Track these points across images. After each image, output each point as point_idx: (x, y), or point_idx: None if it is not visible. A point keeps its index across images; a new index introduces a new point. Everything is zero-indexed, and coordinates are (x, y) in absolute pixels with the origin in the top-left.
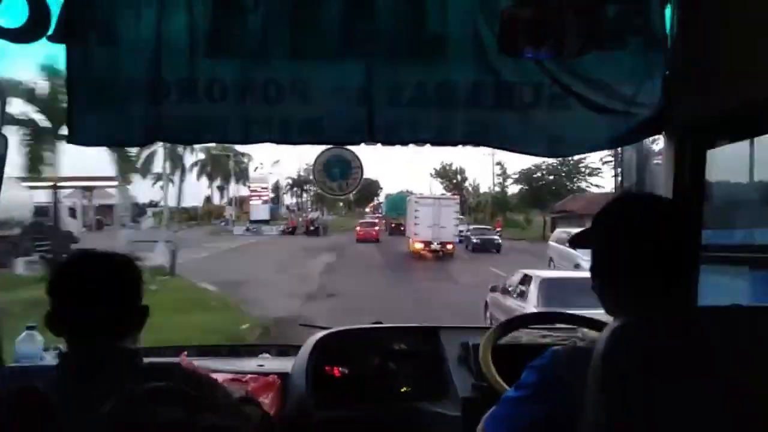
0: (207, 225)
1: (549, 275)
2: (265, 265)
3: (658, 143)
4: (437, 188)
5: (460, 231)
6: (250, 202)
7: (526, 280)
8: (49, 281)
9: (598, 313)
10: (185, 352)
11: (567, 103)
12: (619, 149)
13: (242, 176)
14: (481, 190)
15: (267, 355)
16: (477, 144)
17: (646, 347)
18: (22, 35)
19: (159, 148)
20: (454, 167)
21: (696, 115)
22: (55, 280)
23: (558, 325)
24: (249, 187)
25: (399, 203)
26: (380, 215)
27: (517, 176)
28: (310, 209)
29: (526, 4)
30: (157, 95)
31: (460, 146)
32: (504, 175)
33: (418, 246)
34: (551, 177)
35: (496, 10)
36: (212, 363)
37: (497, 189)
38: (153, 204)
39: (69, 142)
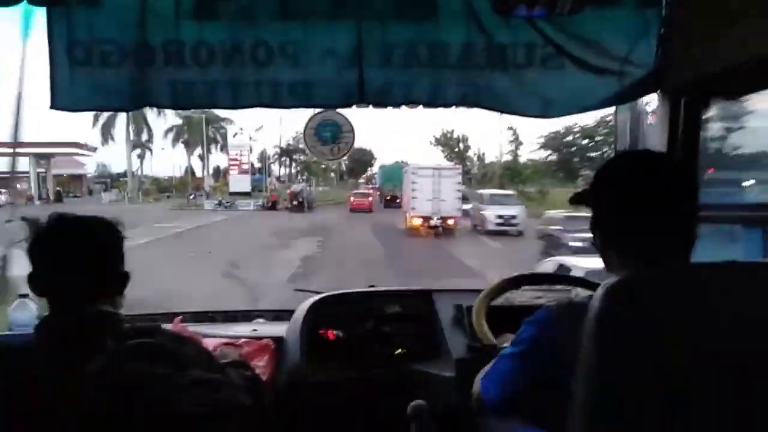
0: (181, 198)
1: (593, 265)
2: (212, 260)
3: (651, 104)
4: (437, 157)
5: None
6: (229, 173)
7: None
8: (28, 245)
9: None
10: (179, 317)
11: (560, 64)
12: (612, 109)
13: (225, 144)
14: (488, 160)
15: (262, 320)
16: (469, 105)
17: (641, 303)
18: None
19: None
20: (456, 135)
21: (691, 73)
22: (32, 245)
23: (552, 286)
24: (225, 155)
25: (394, 174)
26: (374, 186)
27: (542, 141)
28: (294, 180)
29: None
30: (143, 59)
31: (452, 108)
32: (516, 141)
33: (416, 222)
34: (585, 141)
35: None
36: (207, 328)
37: (509, 157)
38: (126, 174)
39: (51, 107)
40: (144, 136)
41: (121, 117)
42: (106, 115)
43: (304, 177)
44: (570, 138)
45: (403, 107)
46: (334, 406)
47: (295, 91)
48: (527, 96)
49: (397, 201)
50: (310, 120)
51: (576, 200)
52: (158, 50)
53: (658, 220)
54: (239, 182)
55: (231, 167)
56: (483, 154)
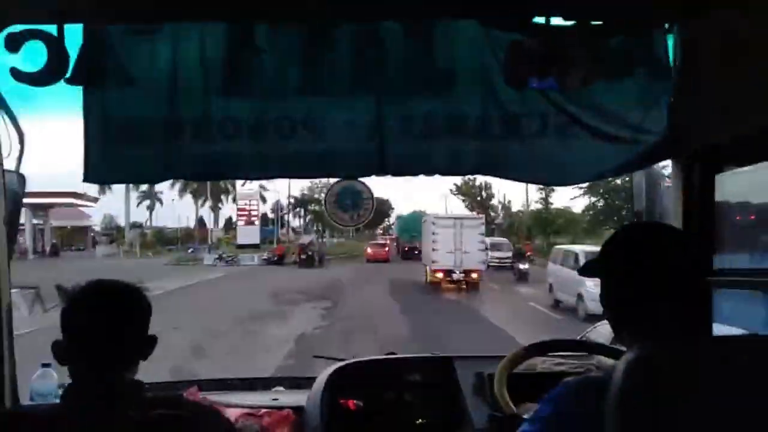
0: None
1: None
2: (174, 340)
3: (667, 168)
4: (457, 207)
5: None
6: (237, 224)
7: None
8: (61, 312)
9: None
10: (195, 386)
11: (574, 132)
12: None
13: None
14: (514, 208)
15: (281, 389)
16: (486, 174)
17: (664, 377)
18: (40, 78)
19: None
20: (478, 182)
21: (703, 140)
22: (67, 312)
23: (574, 353)
24: (236, 205)
25: (412, 224)
26: (391, 237)
27: (584, 188)
28: (311, 231)
29: (532, 36)
30: (172, 133)
31: (468, 176)
32: (547, 188)
33: (438, 276)
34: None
35: (503, 42)
36: (226, 397)
37: (538, 205)
38: (137, 225)
39: (84, 180)
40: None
41: None
42: None
43: (316, 228)
44: (618, 182)
45: (421, 176)
46: None
47: (318, 162)
48: (542, 164)
49: (416, 252)
50: (330, 188)
51: (586, 272)
52: (186, 125)
53: (671, 296)
54: (248, 234)
55: (239, 218)
56: (509, 203)
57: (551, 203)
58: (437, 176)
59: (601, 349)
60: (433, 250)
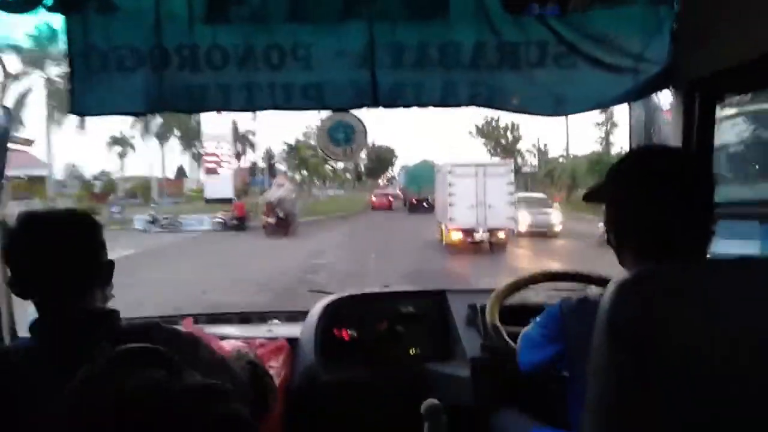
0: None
1: None
2: None
3: (666, 100)
4: (478, 153)
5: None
6: (204, 173)
7: None
8: (2, 248)
9: None
10: (190, 318)
11: (573, 62)
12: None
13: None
14: (552, 154)
15: (276, 321)
16: (481, 105)
17: (652, 299)
18: (19, 5)
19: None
20: (502, 123)
21: (704, 68)
22: (5, 248)
23: (567, 285)
24: (201, 150)
25: (422, 174)
26: (394, 188)
27: None
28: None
29: None
30: (158, 63)
31: (463, 107)
32: (610, 123)
33: (456, 236)
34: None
35: None
36: (222, 329)
37: (598, 149)
38: (102, 175)
39: (70, 112)
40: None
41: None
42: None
43: (302, 176)
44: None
45: (415, 108)
46: (348, 406)
47: (307, 93)
48: (540, 95)
49: (425, 205)
50: (322, 121)
51: (590, 197)
52: (173, 54)
53: (675, 217)
54: (217, 186)
55: (207, 164)
56: (545, 147)
57: (612, 143)
58: (445, 125)
59: (595, 279)
60: (450, 205)
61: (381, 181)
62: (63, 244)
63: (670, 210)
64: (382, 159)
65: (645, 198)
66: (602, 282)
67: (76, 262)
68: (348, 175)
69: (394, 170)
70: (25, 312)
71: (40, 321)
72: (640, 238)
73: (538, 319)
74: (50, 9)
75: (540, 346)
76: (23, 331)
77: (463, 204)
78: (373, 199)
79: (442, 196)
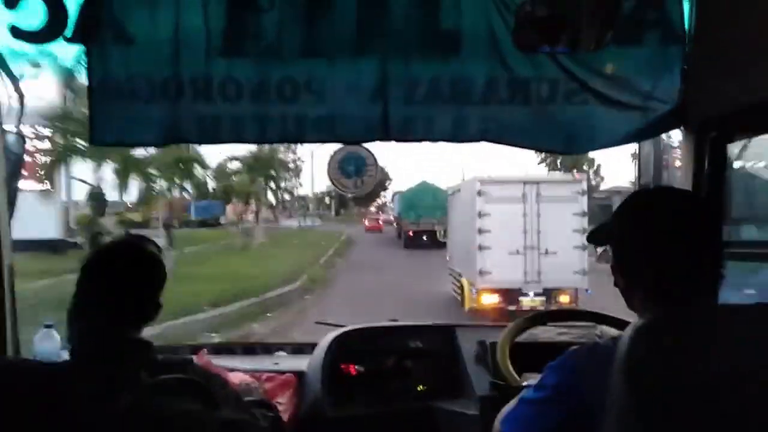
0: None
1: None
2: None
3: (674, 138)
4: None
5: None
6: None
7: None
8: (81, 267)
9: None
10: (204, 350)
11: (583, 99)
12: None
13: None
14: (609, 181)
15: (282, 353)
16: (492, 141)
17: (672, 344)
18: (39, 36)
19: None
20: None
21: (715, 108)
22: (87, 267)
23: (577, 323)
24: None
25: (420, 200)
26: (388, 216)
27: None
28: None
29: (541, 0)
30: (173, 95)
31: (473, 143)
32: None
33: (490, 301)
34: None
35: (511, 5)
36: (228, 361)
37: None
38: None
39: (91, 143)
40: None
41: None
42: None
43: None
44: None
45: (425, 142)
46: None
47: (320, 125)
48: (550, 131)
49: (424, 238)
50: (334, 154)
51: (595, 238)
52: (187, 86)
53: (683, 260)
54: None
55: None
56: (598, 168)
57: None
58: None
59: (605, 319)
60: (481, 248)
61: (371, 208)
62: (135, 275)
63: (677, 254)
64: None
65: (651, 241)
66: (614, 322)
67: (142, 295)
68: (327, 201)
69: (387, 195)
70: (31, 332)
71: (86, 342)
72: (648, 282)
73: (528, 391)
74: (70, 40)
75: (538, 417)
76: (26, 352)
77: (503, 247)
78: (366, 223)
79: (465, 233)
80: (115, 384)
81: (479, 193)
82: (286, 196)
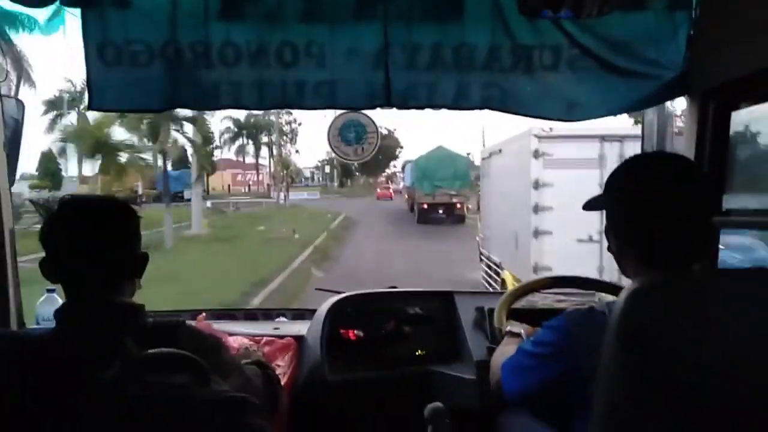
0: None
1: None
2: None
3: (679, 107)
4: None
5: None
6: None
7: None
8: (41, 230)
9: None
10: (203, 314)
11: (586, 66)
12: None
13: None
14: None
15: (283, 319)
16: (494, 108)
17: (667, 308)
18: (35, 0)
19: None
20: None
21: (720, 77)
22: (44, 230)
23: (574, 290)
24: None
25: (437, 167)
26: (398, 186)
27: None
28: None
29: None
30: (172, 59)
31: (476, 110)
32: None
33: None
34: None
35: None
36: (229, 326)
37: None
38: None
39: (88, 108)
40: None
41: None
42: None
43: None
44: None
45: (428, 109)
46: (353, 406)
47: (320, 91)
48: (552, 99)
49: (440, 212)
50: (334, 120)
51: (591, 206)
52: (186, 50)
53: (675, 226)
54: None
55: None
56: None
57: None
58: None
59: (602, 285)
60: (538, 233)
61: (380, 179)
62: (98, 232)
63: (670, 220)
64: (383, 150)
65: (644, 207)
66: (609, 288)
67: (110, 251)
68: (328, 171)
69: (398, 165)
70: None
71: (65, 308)
72: (641, 247)
73: (527, 343)
74: (67, 3)
75: (535, 368)
76: (30, 321)
77: (570, 232)
78: (378, 191)
79: (511, 210)
80: (96, 354)
81: (536, 154)
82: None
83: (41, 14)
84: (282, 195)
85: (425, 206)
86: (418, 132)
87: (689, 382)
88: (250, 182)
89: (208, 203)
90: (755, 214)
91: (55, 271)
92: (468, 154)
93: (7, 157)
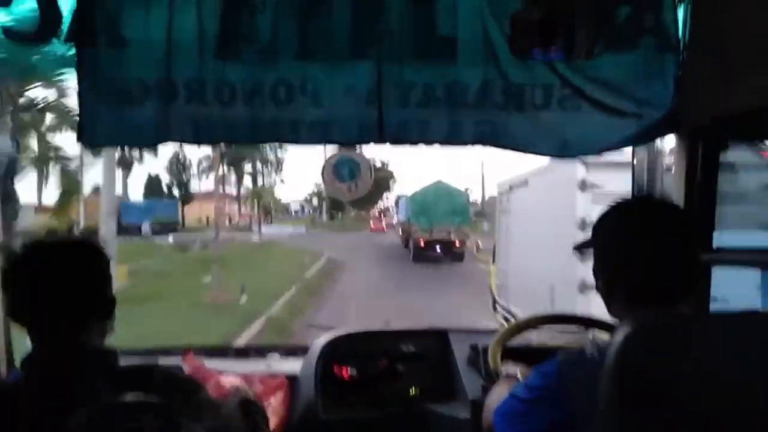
0: None
1: None
2: None
3: (669, 144)
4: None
5: None
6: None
7: None
8: (2, 274)
9: None
10: (191, 351)
11: (577, 105)
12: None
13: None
14: None
15: (275, 355)
16: (487, 144)
17: (661, 348)
18: (32, 38)
19: None
20: None
21: (709, 116)
22: (6, 274)
23: (569, 327)
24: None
25: (435, 202)
26: (390, 221)
27: None
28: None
29: (536, 6)
30: (167, 96)
31: (468, 146)
32: None
33: None
34: None
35: (506, 11)
36: (220, 363)
37: None
38: None
39: (79, 141)
40: None
41: None
42: None
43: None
44: None
45: (420, 145)
46: None
47: (314, 128)
48: (544, 136)
49: (437, 249)
50: (329, 158)
51: (581, 247)
52: (181, 88)
53: (662, 267)
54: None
55: None
56: None
57: None
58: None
59: (596, 323)
60: (585, 288)
61: (373, 212)
62: (63, 275)
63: (656, 261)
64: (376, 182)
65: (630, 250)
66: (602, 325)
67: (76, 294)
68: (315, 203)
69: (391, 198)
70: (25, 342)
71: (33, 355)
72: (628, 288)
73: (519, 387)
74: (64, 41)
75: (527, 414)
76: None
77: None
78: (371, 223)
79: (543, 256)
80: (69, 397)
81: (583, 186)
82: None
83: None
84: (263, 228)
85: (422, 243)
86: (411, 165)
87: (687, 423)
88: (234, 215)
89: (170, 238)
90: (746, 252)
91: (19, 316)
92: (466, 189)
93: (1, 192)
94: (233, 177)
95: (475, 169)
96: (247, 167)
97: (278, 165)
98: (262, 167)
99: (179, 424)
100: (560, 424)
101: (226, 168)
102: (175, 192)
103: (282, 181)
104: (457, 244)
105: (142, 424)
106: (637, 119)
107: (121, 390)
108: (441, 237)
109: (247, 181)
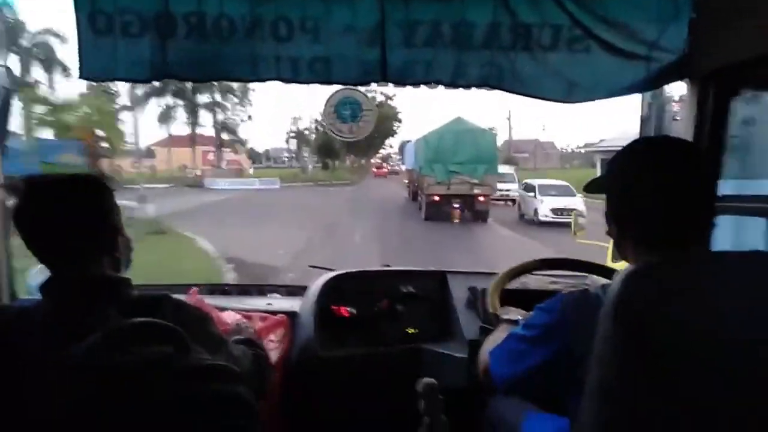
0: None
1: None
2: None
3: (678, 92)
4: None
5: None
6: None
7: None
8: (13, 214)
9: None
10: (195, 289)
11: (587, 46)
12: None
13: None
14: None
15: (276, 295)
16: (492, 87)
17: (662, 289)
18: None
19: None
20: None
21: (721, 61)
22: (15, 211)
23: (568, 272)
24: None
25: (455, 146)
26: (393, 168)
27: None
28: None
29: None
30: (165, 30)
31: (473, 89)
32: None
33: None
34: None
35: None
36: (222, 301)
37: None
38: None
39: (79, 76)
40: None
41: None
42: None
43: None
44: None
45: (423, 86)
46: (344, 382)
47: (314, 66)
48: (551, 79)
49: (456, 206)
50: (330, 98)
51: (592, 188)
52: (180, 22)
53: (676, 209)
54: None
55: None
56: None
57: None
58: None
59: (594, 267)
60: None
61: (375, 159)
62: (68, 210)
63: (670, 202)
64: (379, 123)
65: (645, 190)
66: (603, 271)
67: (80, 226)
68: (313, 155)
69: (393, 143)
70: (26, 274)
71: (50, 283)
72: (641, 230)
73: (518, 327)
74: None
75: (525, 353)
76: (22, 293)
77: None
78: (374, 170)
79: None
80: (81, 324)
81: None
82: (225, 135)
83: None
84: (220, 182)
85: (436, 198)
86: (419, 105)
87: (683, 364)
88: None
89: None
90: (749, 200)
91: (32, 251)
92: (491, 129)
93: None
94: (181, 113)
95: (495, 110)
96: (202, 98)
97: (244, 94)
98: (222, 97)
99: (189, 349)
100: (558, 358)
101: (170, 99)
102: None
103: (249, 117)
104: (482, 200)
105: (152, 346)
106: (648, 63)
107: (131, 317)
108: (461, 191)
109: (206, 119)
